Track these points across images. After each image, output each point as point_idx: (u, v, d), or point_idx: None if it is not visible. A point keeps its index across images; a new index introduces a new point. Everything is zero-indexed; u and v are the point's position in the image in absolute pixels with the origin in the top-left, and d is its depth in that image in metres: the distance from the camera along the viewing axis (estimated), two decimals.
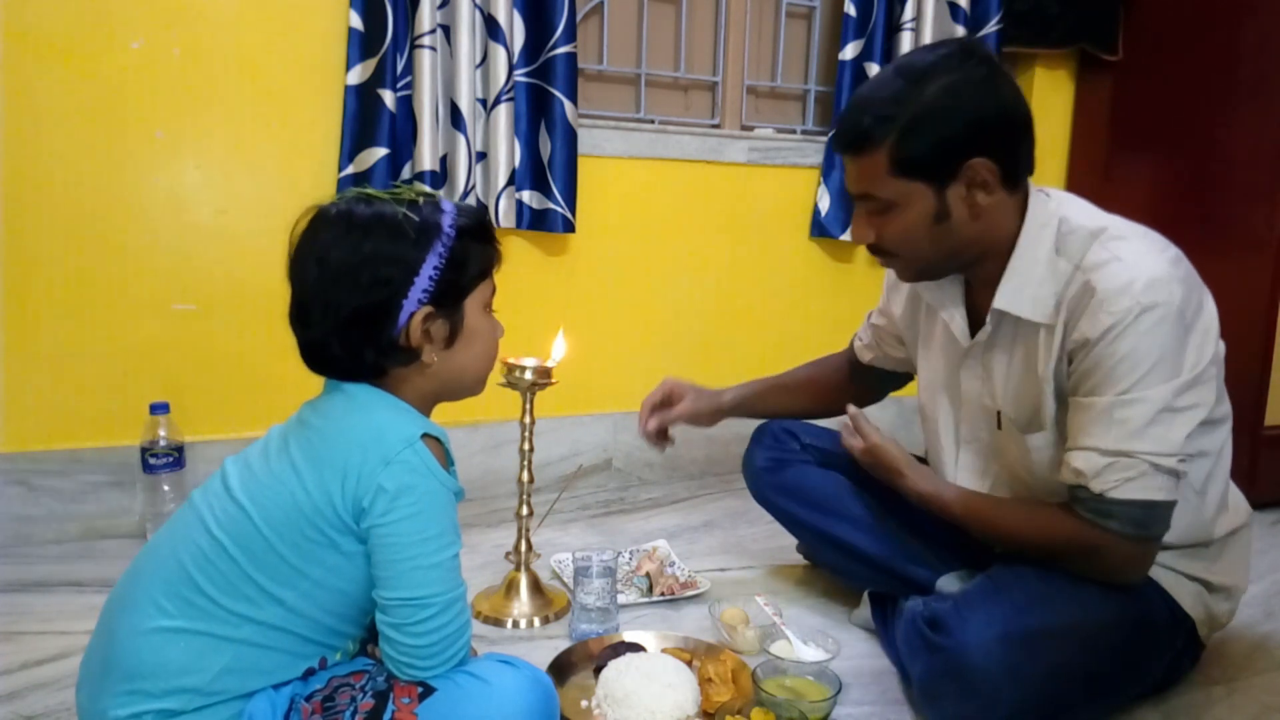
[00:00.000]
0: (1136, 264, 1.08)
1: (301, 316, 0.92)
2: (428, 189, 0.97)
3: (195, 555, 0.89)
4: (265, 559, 0.89)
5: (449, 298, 0.94)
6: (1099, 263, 1.10)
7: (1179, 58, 2.29)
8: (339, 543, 0.90)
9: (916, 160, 1.11)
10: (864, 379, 1.60)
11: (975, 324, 1.26)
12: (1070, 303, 1.12)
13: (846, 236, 2.27)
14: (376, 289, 0.90)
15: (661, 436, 1.59)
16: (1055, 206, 1.18)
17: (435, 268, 0.92)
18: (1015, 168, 1.15)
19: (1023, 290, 1.16)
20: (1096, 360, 1.08)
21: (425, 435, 0.92)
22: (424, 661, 0.91)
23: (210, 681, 0.87)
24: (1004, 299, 1.17)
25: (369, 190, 0.95)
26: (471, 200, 1.90)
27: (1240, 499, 1.29)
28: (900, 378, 1.58)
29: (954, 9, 2.28)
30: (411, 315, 0.91)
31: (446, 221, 0.93)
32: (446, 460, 0.96)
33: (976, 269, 1.22)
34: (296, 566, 0.89)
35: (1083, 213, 1.18)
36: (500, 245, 1.00)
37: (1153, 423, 1.06)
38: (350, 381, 0.96)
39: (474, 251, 0.95)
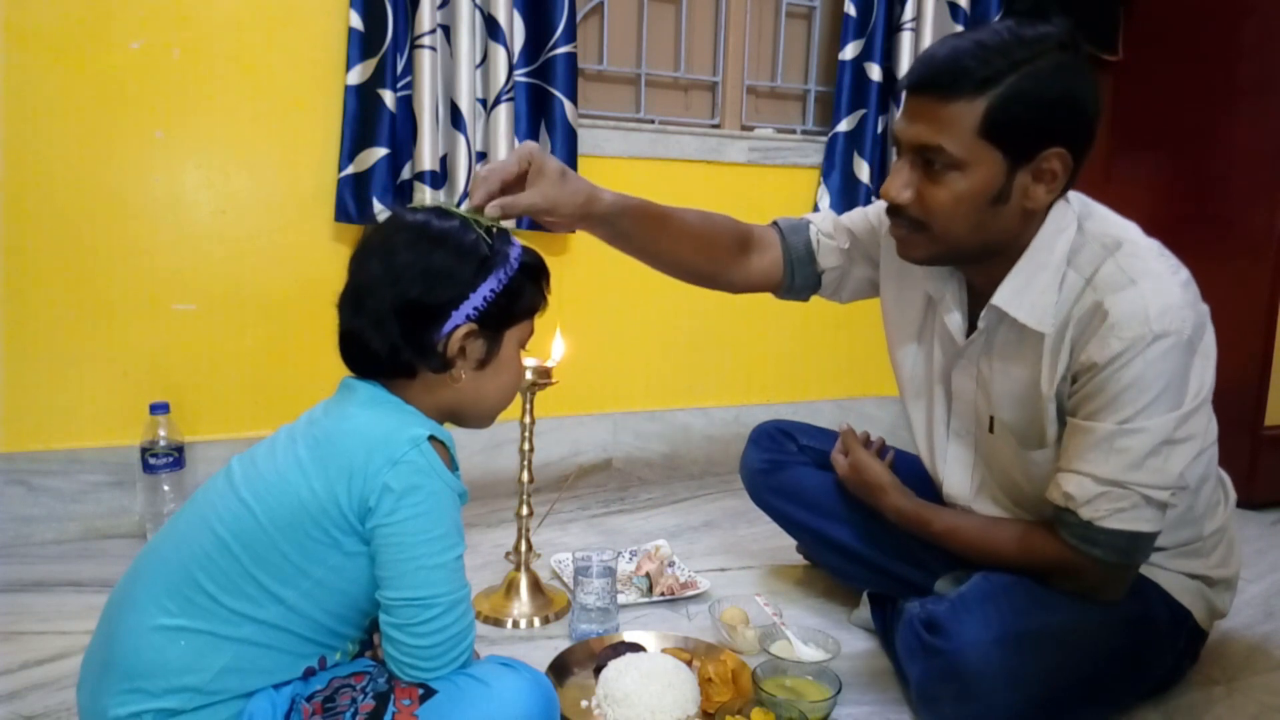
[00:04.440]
0: (1152, 290, 1.05)
1: (354, 302, 0.94)
2: (502, 224, 1.01)
3: (197, 553, 0.89)
4: (268, 557, 0.89)
5: (495, 322, 0.97)
6: (1113, 284, 1.07)
7: (1179, 58, 2.29)
8: (342, 543, 0.90)
9: (1010, 126, 1.03)
10: (792, 273, 1.39)
11: (974, 324, 1.23)
12: (1079, 321, 1.09)
13: None
14: (434, 291, 0.93)
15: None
16: (1075, 213, 1.14)
17: (492, 290, 0.95)
18: (1078, 172, 1.10)
19: (1024, 293, 1.12)
20: (1101, 385, 1.06)
21: (431, 437, 0.93)
22: (427, 662, 0.91)
23: (210, 681, 0.87)
24: (1003, 297, 1.13)
25: (450, 208, 0.99)
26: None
27: (1227, 485, 1.29)
28: (808, 294, 1.43)
29: (954, 9, 2.28)
30: (457, 326, 0.94)
31: (513, 254, 0.98)
32: (451, 463, 0.96)
33: (983, 266, 1.17)
34: (299, 565, 0.89)
35: (1100, 222, 1.14)
36: (549, 294, 1.03)
37: (1152, 454, 1.05)
38: (376, 379, 0.97)
39: (528, 288, 0.99)
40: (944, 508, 1.31)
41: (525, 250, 1.00)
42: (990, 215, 1.09)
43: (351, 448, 0.90)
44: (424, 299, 0.92)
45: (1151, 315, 1.03)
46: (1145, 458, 1.05)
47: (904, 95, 1.11)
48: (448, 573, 0.91)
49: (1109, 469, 1.05)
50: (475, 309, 0.94)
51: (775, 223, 1.42)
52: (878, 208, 1.35)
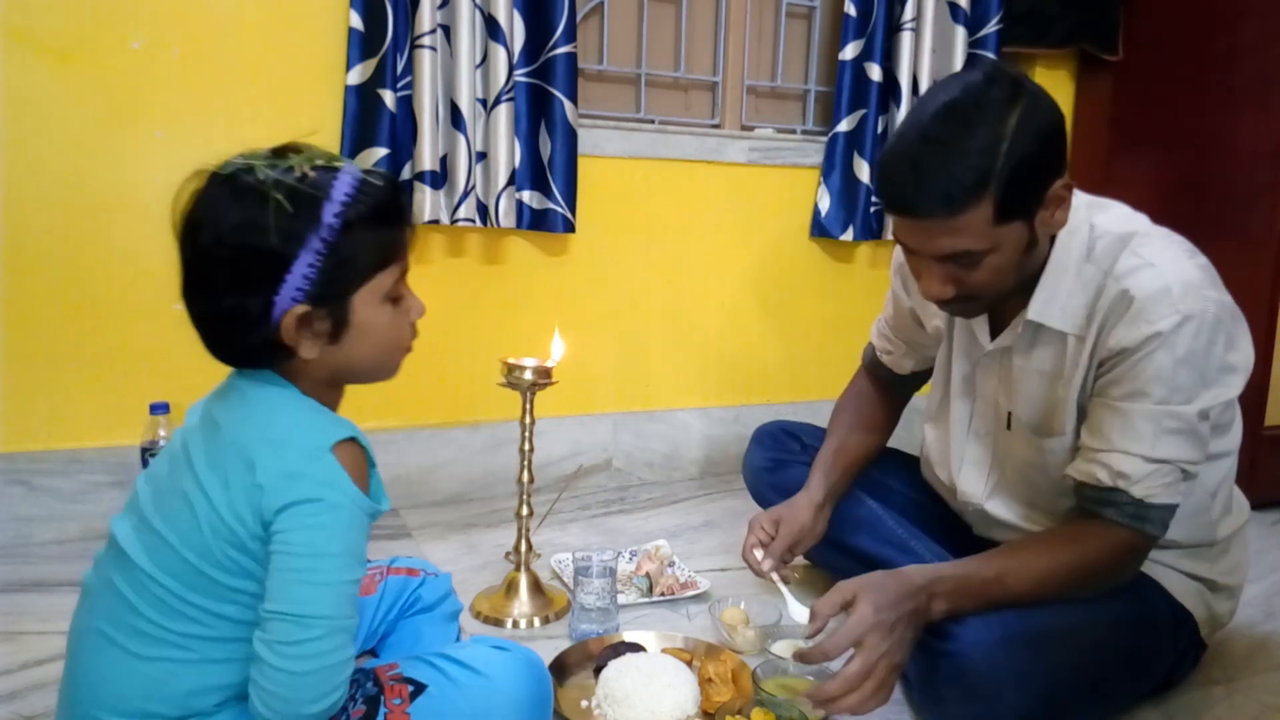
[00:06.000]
0: (1169, 269, 1.09)
1: (185, 290, 0.85)
2: (329, 155, 0.87)
3: (133, 583, 0.85)
4: (197, 582, 0.84)
5: (330, 294, 0.84)
6: (1131, 269, 1.10)
7: (1179, 58, 2.29)
8: (260, 556, 0.84)
9: (1019, 203, 1.06)
10: (901, 390, 1.57)
11: (994, 326, 1.26)
12: (1104, 311, 1.12)
13: (847, 236, 2.26)
14: (243, 284, 0.82)
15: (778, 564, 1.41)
16: (1084, 212, 1.17)
17: (310, 265, 0.82)
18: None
19: (1054, 301, 1.15)
20: (1134, 367, 1.08)
21: (339, 442, 0.85)
22: (292, 693, 0.79)
23: (179, 705, 0.85)
24: (1036, 309, 1.16)
25: (256, 161, 0.85)
26: (472, 201, 1.89)
27: (1241, 498, 1.30)
28: (923, 376, 1.53)
29: (954, 9, 2.28)
30: (285, 313, 0.82)
31: (329, 212, 0.82)
32: (367, 461, 0.88)
33: None
34: (228, 584, 0.84)
35: (1111, 217, 1.17)
36: (414, 224, 0.90)
37: (1191, 431, 1.08)
38: (243, 368, 0.89)
39: (366, 243, 0.85)
40: (976, 557, 1.17)
41: (352, 196, 0.83)
42: (1025, 260, 1.13)
43: (247, 460, 0.83)
44: (236, 295, 0.82)
45: (1175, 294, 1.07)
46: (1187, 433, 1.08)
47: (894, 217, 1.12)
48: (335, 594, 0.82)
49: (1159, 448, 1.08)
50: (300, 289, 0.82)
51: (864, 365, 1.59)
52: (897, 266, 1.45)
